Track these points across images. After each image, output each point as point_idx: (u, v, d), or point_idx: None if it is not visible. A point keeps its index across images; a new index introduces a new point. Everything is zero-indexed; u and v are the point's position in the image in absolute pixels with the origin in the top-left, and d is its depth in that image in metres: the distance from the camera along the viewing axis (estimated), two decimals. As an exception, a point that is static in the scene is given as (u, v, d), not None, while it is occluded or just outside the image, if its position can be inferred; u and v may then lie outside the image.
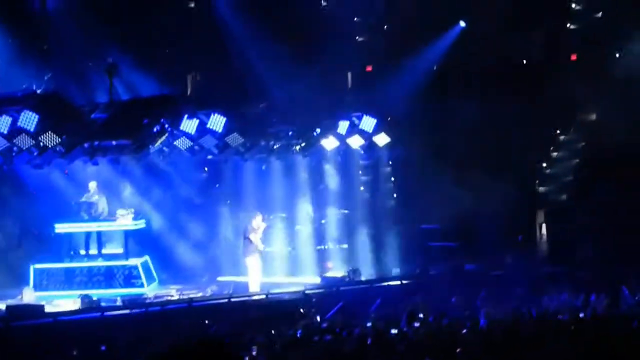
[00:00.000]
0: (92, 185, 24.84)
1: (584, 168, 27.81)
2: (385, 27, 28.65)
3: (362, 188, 28.33)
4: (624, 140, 25.12)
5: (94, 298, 21.65)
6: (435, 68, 28.15)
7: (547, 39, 28.41)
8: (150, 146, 23.90)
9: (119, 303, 21.92)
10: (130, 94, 25.18)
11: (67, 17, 25.81)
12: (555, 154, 28.88)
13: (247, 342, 15.15)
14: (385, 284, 23.71)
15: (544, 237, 27.43)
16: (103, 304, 21.43)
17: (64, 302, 22.10)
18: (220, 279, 24.92)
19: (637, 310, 17.60)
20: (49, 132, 21.26)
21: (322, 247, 26.77)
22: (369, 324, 16.63)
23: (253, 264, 22.77)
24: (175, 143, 23.81)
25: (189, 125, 22.93)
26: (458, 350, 14.22)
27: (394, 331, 15.83)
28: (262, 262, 23.38)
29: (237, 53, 26.51)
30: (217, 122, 22.84)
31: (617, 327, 15.02)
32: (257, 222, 22.93)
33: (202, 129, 23.06)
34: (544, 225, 27.58)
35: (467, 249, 25.28)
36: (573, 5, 28.76)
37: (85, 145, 22.86)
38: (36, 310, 20.42)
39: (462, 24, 27.66)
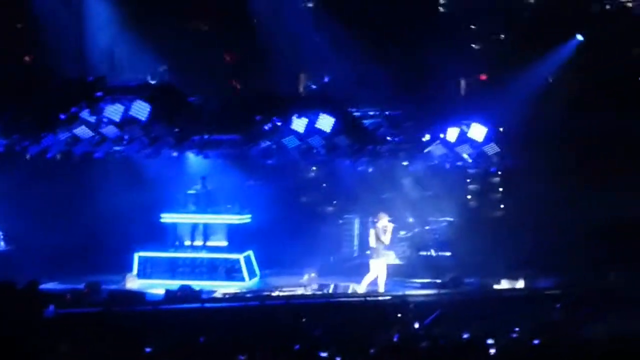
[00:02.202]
0: (201, 178, 25.26)
1: None
2: (502, 36, 28.32)
3: (469, 197, 28.06)
4: None
5: (195, 289, 21.87)
6: (550, 80, 27.72)
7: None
8: (260, 143, 24.17)
9: (218, 295, 22.18)
10: (243, 92, 25.45)
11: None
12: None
13: (341, 344, 15.14)
14: (488, 294, 23.31)
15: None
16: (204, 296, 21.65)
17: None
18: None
19: None
20: (160, 123, 21.66)
21: (425, 253, 26.58)
22: (465, 335, 16.44)
23: (378, 267, 22.51)
24: (283, 141, 24.05)
25: (299, 124, 23.08)
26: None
27: (490, 341, 15.65)
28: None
29: (352, 55, 26.47)
30: (325, 122, 22.93)
31: None
32: (384, 223, 22.70)
33: (311, 129, 23.19)
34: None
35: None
36: None
37: (196, 138, 23.21)
38: (138, 297, 20.83)
39: (579, 37, 27.19)
